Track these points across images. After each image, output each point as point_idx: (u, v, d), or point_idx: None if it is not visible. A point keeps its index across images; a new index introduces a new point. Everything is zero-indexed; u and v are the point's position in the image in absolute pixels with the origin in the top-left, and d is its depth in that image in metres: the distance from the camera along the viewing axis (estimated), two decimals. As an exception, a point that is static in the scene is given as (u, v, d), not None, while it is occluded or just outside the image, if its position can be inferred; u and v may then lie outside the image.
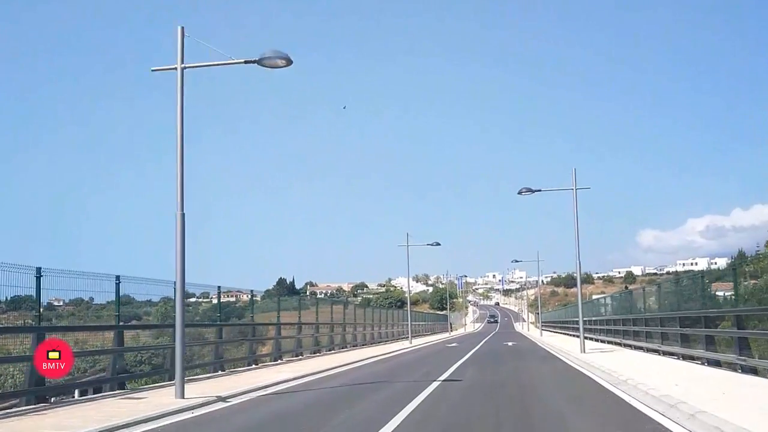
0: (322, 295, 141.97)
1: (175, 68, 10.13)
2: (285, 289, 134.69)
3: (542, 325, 56.02)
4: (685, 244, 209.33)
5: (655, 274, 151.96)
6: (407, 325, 34.34)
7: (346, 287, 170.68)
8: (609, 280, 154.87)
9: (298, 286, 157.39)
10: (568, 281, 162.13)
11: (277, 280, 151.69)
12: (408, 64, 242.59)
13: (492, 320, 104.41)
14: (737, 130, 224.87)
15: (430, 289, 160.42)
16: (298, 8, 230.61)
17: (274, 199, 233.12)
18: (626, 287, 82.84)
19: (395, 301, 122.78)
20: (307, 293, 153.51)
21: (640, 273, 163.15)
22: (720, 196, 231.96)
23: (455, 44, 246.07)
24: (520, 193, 21.11)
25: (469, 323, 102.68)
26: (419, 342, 31.74)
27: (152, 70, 10.53)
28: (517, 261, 48.94)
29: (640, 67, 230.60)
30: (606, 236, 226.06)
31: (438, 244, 34.51)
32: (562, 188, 21.11)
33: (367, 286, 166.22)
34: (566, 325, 41.59)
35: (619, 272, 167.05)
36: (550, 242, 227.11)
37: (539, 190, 21.17)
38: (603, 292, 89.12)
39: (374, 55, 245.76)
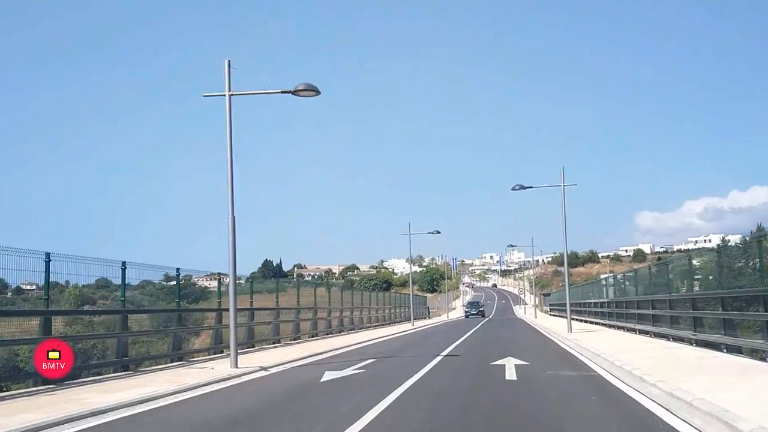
0: (310, 278, 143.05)
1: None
2: (270, 272, 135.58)
3: (552, 308, 55.31)
4: (684, 226, 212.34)
5: (665, 252, 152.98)
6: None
7: (336, 269, 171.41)
8: (617, 259, 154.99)
9: (286, 268, 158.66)
10: (572, 259, 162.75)
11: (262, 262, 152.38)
12: (407, 62, 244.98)
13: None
14: (733, 113, 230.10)
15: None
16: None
17: (264, 179, 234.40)
18: (652, 264, 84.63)
19: (381, 282, 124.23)
20: (294, 275, 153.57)
21: (648, 251, 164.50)
22: (717, 178, 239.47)
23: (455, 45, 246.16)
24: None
25: (459, 307, 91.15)
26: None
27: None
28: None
29: (634, 51, 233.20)
30: (604, 219, 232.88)
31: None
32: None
33: (358, 268, 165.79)
34: (580, 309, 38.37)
35: (626, 250, 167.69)
36: (550, 222, 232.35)
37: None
38: (611, 271, 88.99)
39: (369, 53, 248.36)
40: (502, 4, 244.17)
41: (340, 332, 28.38)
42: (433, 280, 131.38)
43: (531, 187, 24.16)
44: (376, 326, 34.89)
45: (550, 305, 57.60)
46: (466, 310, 63.51)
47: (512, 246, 49.87)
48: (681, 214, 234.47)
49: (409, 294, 39.52)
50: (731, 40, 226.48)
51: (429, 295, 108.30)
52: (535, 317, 47.34)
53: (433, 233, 37.58)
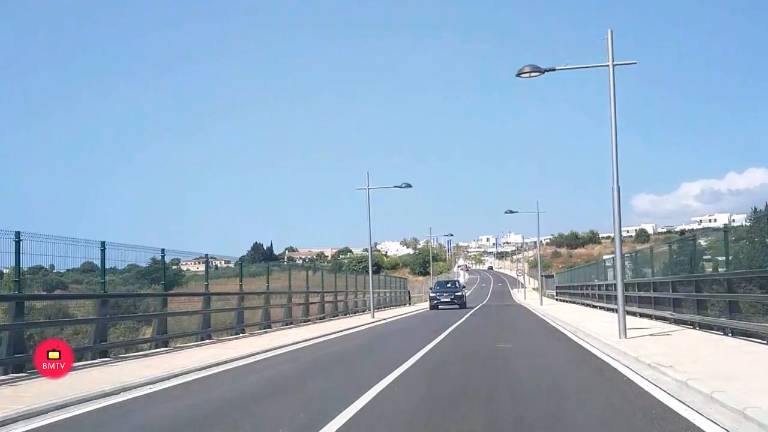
0: (301, 261, 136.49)
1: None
2: (261, 255, 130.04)
3: (558, 292, 46.62)
4: (681, 208, 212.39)
5: (669, 232, 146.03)
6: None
7: (329, 252, 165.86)
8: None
9: (277, 251, 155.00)
10: (572, 241, 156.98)
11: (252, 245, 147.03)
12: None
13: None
14: (730, 94, 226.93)
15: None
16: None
17: (255, 163, 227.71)
18: (654, 245, 76.54)
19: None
20: (285, 259, 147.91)
21: (651, 231, 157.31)
22: (713, 160, 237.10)
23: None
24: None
25: None
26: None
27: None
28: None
29: (633, 31, 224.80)
30: (600, 202, 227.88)
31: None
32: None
33: (351, 251, 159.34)
34: (579, 291, 34.80)
35: (628, 230, 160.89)
36: (546, 204, 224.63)
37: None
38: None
39: (365, 30, 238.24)
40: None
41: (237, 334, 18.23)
42: (426, 263, 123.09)
43: (553, 69, 13.25)
44: (314, 320, 23.84)
45: (557, 288, 48.00)
46: (432, 295, 36.30)
47: (511, 212, 40.18)
48: (678, 196, 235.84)
49: (369, 277, 29.20)
50: (727, 21, 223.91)
51: (420, 278, 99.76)
52: (540, 304, 37.88)
53: (401, 187, 28.32)
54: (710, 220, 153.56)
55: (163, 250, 14.37)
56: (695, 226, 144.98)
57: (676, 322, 15.18)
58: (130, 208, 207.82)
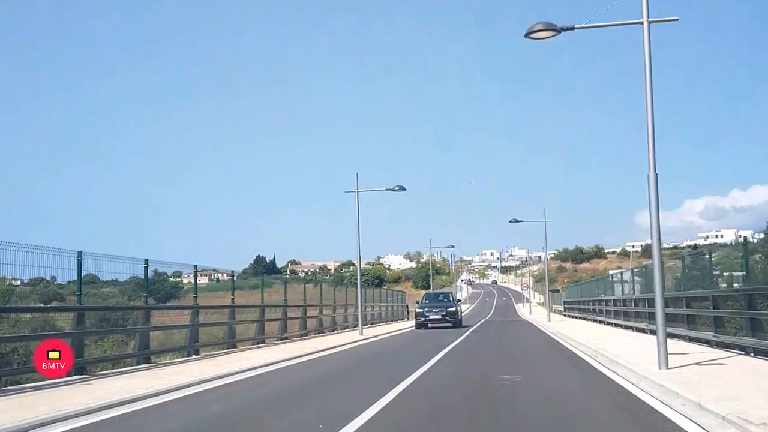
0: (303, 275, 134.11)
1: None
2: (263, 268, 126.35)
3: (567, 307, 43.50)
4: (685, 225, 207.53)
5: (675, 247, 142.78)
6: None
7: (332, 265, 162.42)
8: (624, 254, 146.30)
9: (280, 264, 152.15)
10: (576, 255, 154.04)
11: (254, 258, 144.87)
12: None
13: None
14: (732, 113, 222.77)
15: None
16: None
17: (257, 173, 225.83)
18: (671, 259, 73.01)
19: (372, 278, 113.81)
20: (288, 272, 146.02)
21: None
22: (717, 178, 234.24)
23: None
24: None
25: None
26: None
27: None
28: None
29: (634, 44, 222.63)
30: (604, 218, 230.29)
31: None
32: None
33: (354, 265, 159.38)
34: (590, 307, 31.96)
35: (633, 246, 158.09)
36: (551, 217, 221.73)
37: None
38: (619, 267, 78.82)
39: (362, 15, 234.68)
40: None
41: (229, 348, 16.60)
42: (429, 277, 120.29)
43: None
44: (294, 337, 21.26)
45: (565, 303, 45.01)
46: (419, 311, 29.46)
47: (516, 221, 37.42)
48: (681, 213, 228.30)
49: (357, 289, 26.09)
50: (728, 40, 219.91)
51: (423, 291, 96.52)
52: (548, 320, 34.98)
53: (395, 189, 25.90)
54: (717, 236, 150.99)
55: (146, 261, 13.75)
56: (702, 242, 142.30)
57: (719, 345, 12.40)
58: (118, 217, 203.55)
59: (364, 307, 26.60)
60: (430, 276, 59.25)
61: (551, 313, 40.51)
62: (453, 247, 41.61)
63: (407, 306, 47.05)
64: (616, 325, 23.15)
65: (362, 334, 22.40)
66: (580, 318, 34.48)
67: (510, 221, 37.06)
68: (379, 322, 34.96)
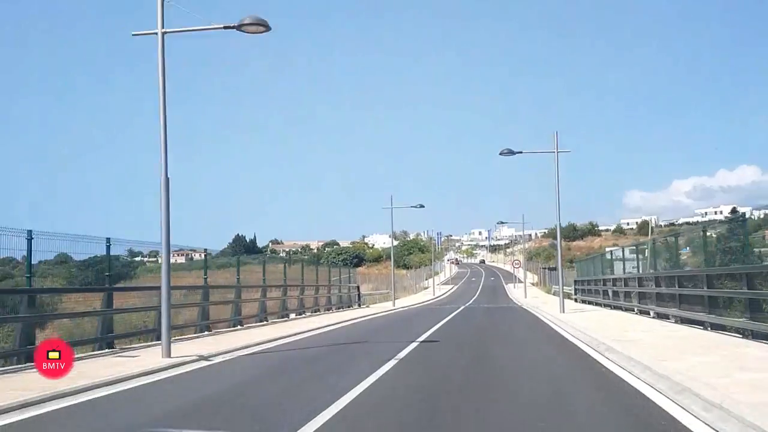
0: (283, 254, 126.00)
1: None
2: (243, 248, 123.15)
3: (578, 288, 33.69)
4: (673, 204, 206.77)
5: (672, 224, 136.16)
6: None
7: (315, 245, 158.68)
8: (620, 232, 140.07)
9: (261, 244, 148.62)
10: (570, 232, 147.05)
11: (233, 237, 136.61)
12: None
13: None
14: (721, 93, 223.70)
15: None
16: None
17: (240, 151, 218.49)
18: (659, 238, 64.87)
19: (351, 257, 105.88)
20: (268, 251, 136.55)
21: (653, 224, 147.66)
22: (704, 158, 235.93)
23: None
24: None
25: (432, 287, 60.97)
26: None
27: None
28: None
29: (626, 29, 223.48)
30: (592, 197, 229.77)
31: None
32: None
33: (338, 244, 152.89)
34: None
35: (628, 223, 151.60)
36: (541, 197, 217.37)
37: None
38: (615, 245, 70.28)
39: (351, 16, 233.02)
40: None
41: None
42: (411, 254, 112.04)
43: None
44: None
45: (576, 284, 34.95)
46: None
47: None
48: (669, 192, 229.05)
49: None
50: (719, 21, 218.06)
51: (403, 271, 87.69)
52: (561, 310, 22.57)
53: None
54: (715, 212, 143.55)
55: (108, 239, 13.42)
56: (699, 219, 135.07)
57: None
58: (104, 198, 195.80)
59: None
60: (391, 255, 44.44)
61: (549, 295, 31.35)
62: (422, 206, 32.31)
63: (358, 288, 37.51)
64: (697, 324, 13.77)
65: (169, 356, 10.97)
66: (606, 306, 24.79)
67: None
68: (317, 311, 26.67)
